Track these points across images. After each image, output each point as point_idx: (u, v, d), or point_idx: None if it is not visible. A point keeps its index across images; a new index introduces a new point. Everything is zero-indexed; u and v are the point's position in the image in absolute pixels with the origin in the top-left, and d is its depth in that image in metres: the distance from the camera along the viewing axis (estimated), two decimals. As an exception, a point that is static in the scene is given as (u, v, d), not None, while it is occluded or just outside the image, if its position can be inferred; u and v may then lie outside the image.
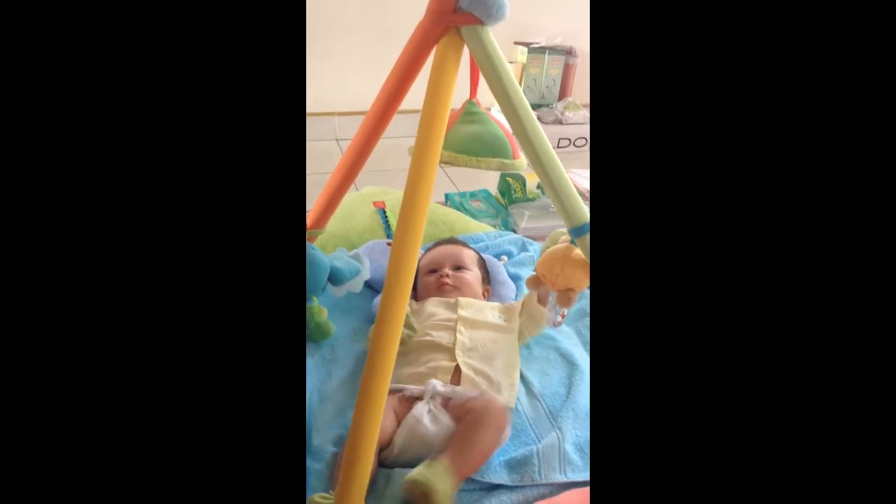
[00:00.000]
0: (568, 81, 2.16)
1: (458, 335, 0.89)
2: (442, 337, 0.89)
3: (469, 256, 1.05)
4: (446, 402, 0.78)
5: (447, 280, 0.99)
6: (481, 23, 0.68)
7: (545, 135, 0.74)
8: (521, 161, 0.79)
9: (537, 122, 0.73)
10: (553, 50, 2.09)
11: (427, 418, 0.75)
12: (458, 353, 0.86)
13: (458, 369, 0.84)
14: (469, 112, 0.77)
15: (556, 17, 2.09)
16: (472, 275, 1.02)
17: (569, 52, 2.11)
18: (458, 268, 1.02)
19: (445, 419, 0.76)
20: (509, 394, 0.86)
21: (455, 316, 0.92)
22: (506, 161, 0.76)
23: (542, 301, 0.90)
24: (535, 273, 0.81)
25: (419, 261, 1.07)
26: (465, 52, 0.71)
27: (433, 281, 1.00)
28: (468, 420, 0.74)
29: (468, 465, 0.71)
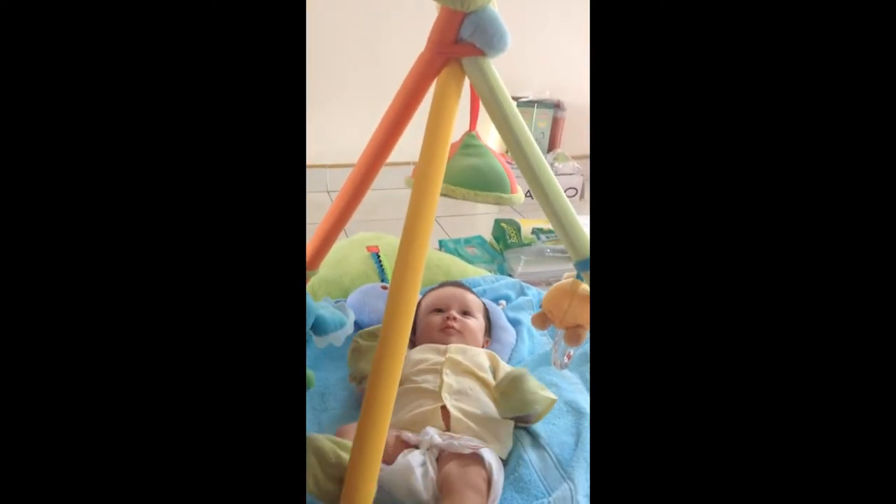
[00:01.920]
0: (557, 134, 2.20)
1: (445, 377, 0.84)
2: (427, 381, 0.84)
3: (475, 303, 1.01)
4: (439, 455, 0.73)
5: (454, 323, 0.94)
6: (483, 54, 0.67)
7: (548, 165, 0.72)
8: (519, 196, 0.77)
9: (540, 154, 0.71)
10: (541, 103, 2.13)
11: (419, 471, 0.70)
12: (444, 395, 0.81)
13: (445, 411, 0.79)
14: (468, 144, 0.75)
15: (544, 72, 2.14)
16: (477, 323, 0.98)
17: (557, 106, 2.16)
18: (465, 313, 0.98)
19: (432, 473, 0.71)
20: (505, 435, 0.80)
21: (442, 359, 0.87)
22: (503, 195, 0.74)
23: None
24: (540, 311, 0.77)
25: (420, 300, 1.03)
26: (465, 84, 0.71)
27: (438, 321, 0.95)
28: (448, 488, 0.68)
29: None
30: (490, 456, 0.72)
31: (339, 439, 0.64)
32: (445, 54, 0.68)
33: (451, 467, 0.70)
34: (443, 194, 0.71)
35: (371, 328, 0.84)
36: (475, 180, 0.72)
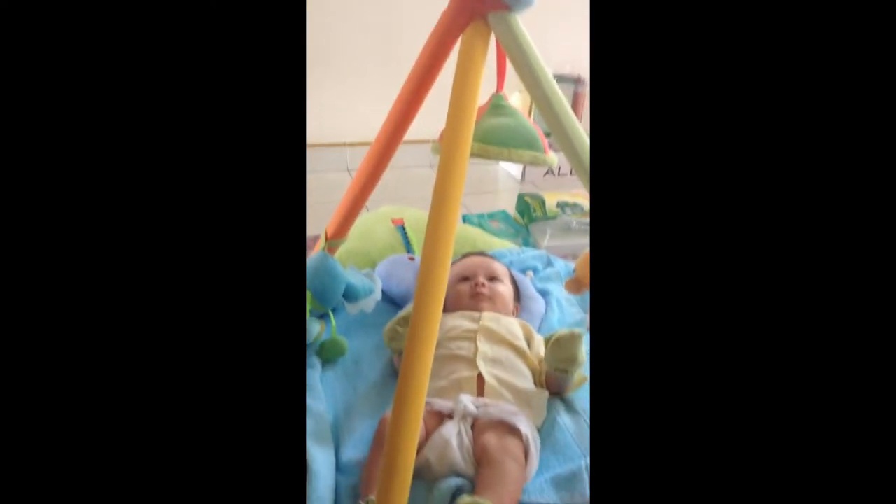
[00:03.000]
0: (577, 109, 2.16)
1: (479, 345, 0.83)
2: (462, 348, 0.83)
3: (501, 270, 1.00)
4: (474, 423, 0.73)
5: (483, 290, 0.93)
6: (508, 8, 0.66)
7: (580, 126, 0.70)
8: (553, 157, 0.76)
9: (571, 111, 0.70)
10: (561, 79, 2.09)
11: (455, 441, 0.70)
12: (479, 362, 0.81)
13: (481, 379, 0.79)
14: (496, 105, 0.74)
15: (564, 46, 2.11)
16: (506, 289, 0.97)
17: (577, 81, 2.12)
18: (492, 279, 0.97)
19: (467, 442, 0.71)
20: (538, 405, 0.80)
21: (476, 326, 0.87)
22: (539, 154, 0.72)
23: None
24: (574, 276, 0.76)
25: None
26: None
27: (467, 290, 0.95)
28: (488, 459, 0.68)
29: (510, 501, 0.65)
30: (526, 426, 0.72)
31: None
32: (470, 10, 0.66)
33: (489, 438, 0.70)
34: (475, 155, 0.70)
35: (407, 313, 0.83)
36: (508, 138, 0.71)
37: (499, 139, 0.70)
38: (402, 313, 0.88)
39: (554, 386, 0.83)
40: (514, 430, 0.70)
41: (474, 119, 0.66)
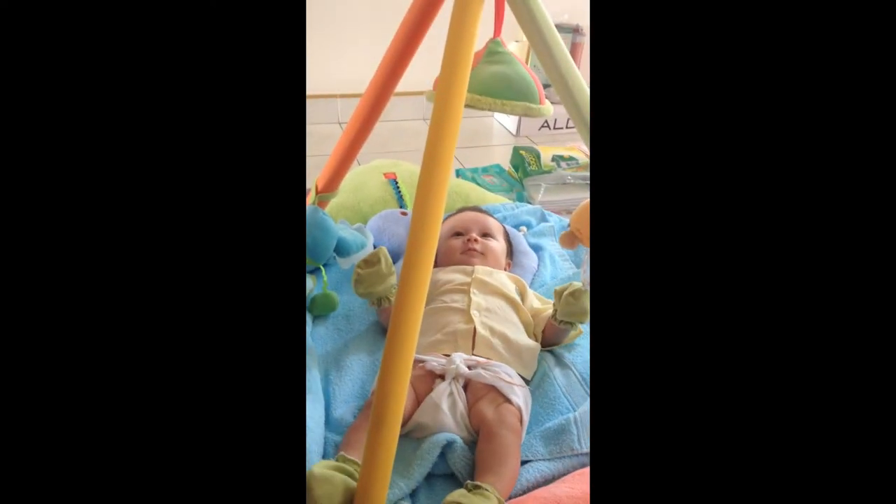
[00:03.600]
0: (576, 59, 2.09)
1: (473, 296, 0.83)
2: (455, 300, 0.83)
3: (495, 225, 0.99)
4: (466, 383, 0.73)
5: (475, 245, 0.93)
6: (508, -52, 0.62)
7: (580, 76, 0.68)
8: (548, 107, 0.73)
9: (571, 61, 0.67)
10: (560, 28, 2.01)
11: (446, 403, 0.70)
12: (473, 312, 0.81)
13: (475, 331, 0.79)
14: (493, 52, 0.71)
15: (563, -6, 2.03)
16: (499, 245, 0.96)
17: (575, 30, 2.06)
18: (485, 235, 0.96)
19: (461, 405, 0.71)
20: (530, 357, 0.80)
21: (469, 280, 0.86)
22: (532, 105, 0.70)
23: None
24: (568, 230, 0.75)
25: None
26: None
27: (458, 245, 0.94)
28: (487, 432, 0.67)
29: (510, 481, 0.65)
30: (519, 398, 0.71)
31: (345, 465, 0.60)
32: (468, -50, 0.62)
33: (485, 407, 0.69)
34: (468, 105, 0.67)
35: (367, 256, 0.83)
36: (502, 89, 0.68)
37: (492, 90, 0.68)
38: (362, 255, 0.86)
39: (553, 337, 0.84)
40: (509, 405, 0.70)
41: (470, 66, 0.63)
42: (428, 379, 0.73)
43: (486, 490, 0.59)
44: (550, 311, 0.84)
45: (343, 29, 1.85)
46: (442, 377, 0.73)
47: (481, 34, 0.68)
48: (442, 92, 0.62)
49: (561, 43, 0.66)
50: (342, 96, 1.90)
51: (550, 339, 0.84)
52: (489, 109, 0.69)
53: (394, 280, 0.82)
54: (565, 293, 0.80)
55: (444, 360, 0.74)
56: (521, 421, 0.70)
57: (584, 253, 0.75)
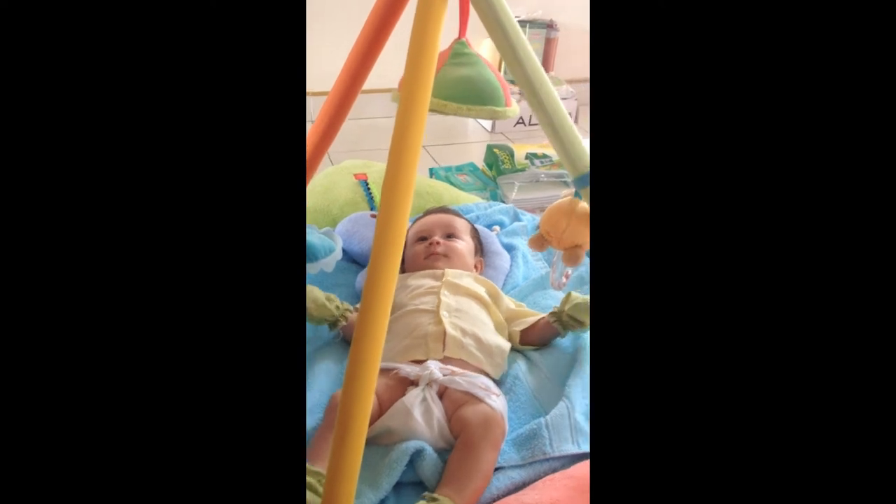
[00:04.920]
0: (550, 56, 2.10)
1: (443, 297, 0.82)
2: (425, 302, 0.82)
3: (461, 225, 0.98)
4: (442, 392, 0.71)
5: (437, 249, 0.91)
6: (471, -53, 0.61)
7: (545, 73, 0.67)
8: (514, 108, 0.73)
9: (537, 62, 0.66)
10: (533, 24, 2.02)
11: (418, 410, 0.68)
12: (442, 313, 0.80)
13: (446, 332, 0.78)
14: (458, 53, 0.69)
15: (536, -11, 2.02)
16: (465, 245, 0.95)
17: (549, 26, 2.05)
18: (450, 236, 0.95)
19: (438, 412, 0.69)
20: (500, 358, 0.80)
21: (439, 283, 0.85)
22: (497, 109, 0.69)
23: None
24: (537, 232, 0.75)
25: (407, 231, 1.00)
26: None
27: (422, 250, 0.93)
28: (466, 440, 0.66)
29: (473, 495, 0.63)
30: (501, 405, 0.70)
31: (309, 479, 0.59)
32: (430, -51, 0.61)
33: (468, 413, 0.68)
34: (432, 110, 0.66)
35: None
36: (467, 93, 0.67)
37: (456, 95, 0.67)
38: (331, 260, 0.85)
39: (538, 340, 0.85)
40: (495, 409, 0.69)
41: (434, 69, 0.62)
42: (400, 387, 0.72)
43: (442, 502, 0.58)
44: (535, 318, 0.85)
45: (313, 25, 1.82)
46: (415, 384, 0.71)
47: (450, 32, 0.67)
48: (405, 99, 0.61)
49: (526, 44, 0.65)
50: (314, 94, 1.87)
51: (536, 341, 0.85)
52: (454, 114, 0.68)
53: (337, 302, 0.83)
54: (575, 303, 0.82)
55: (417, 367, 0.73)
56: (503, 432, 0.69)
57: (555, 255, 0.74)
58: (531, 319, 0.86)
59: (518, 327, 0.85)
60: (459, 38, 0.71)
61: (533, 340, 0.85)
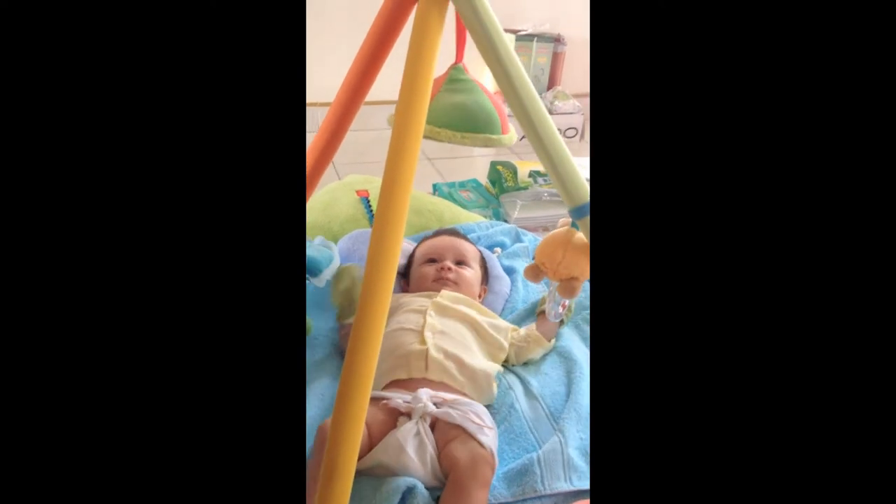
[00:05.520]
0: (557, 70, 2.09)
1: (428, 318, 0.81)
2: (410, 321, 0.81)
3: (472, 253, 0.97)
4: (433, 422, 0.69)
5: (448, 275, 0.90)
6: (467, -26, 0.60)
7: (542, 105, 0.66)
8: (511, 136, 0.71)
9: (533, 90, 0.65)
10: (541, 37, 2.01)
11: (412, 446, 0.66)
12: (426, 334, 0.78)
13: (428, 353, 0.76)
14: (454, 79, 0.68)
15: (543, 3, 2.01)
16: (473, 273, 0.94)
17: (557, 40, 2.04)
18: (460, 262, 0.93)
19: (431, 448, 0.67)
20: (486, 383, 0.77)
21: (429, 303, 0.84)
22: (492, 137, 0.68)
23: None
24: (533, 263, 0.73)
25: (414, 249, 0.99)
26: (451, 12, 0.64)
27: (432, 272, 0.91)
28: (456, 480, 0.64)
29: None
30: (489, 440, 0.69)
31: None
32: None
33: (457, 450, 0.66)
34: (426, 137, 0.65)
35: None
36: (461, 120, 0.66)
37: (451, 122, 0.65)
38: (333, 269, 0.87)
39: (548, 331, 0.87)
40: (484, 447, 0.67)
41: (428, 95, 0.61)
42: (391, 418, 0.70)
43: None
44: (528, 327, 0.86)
45: (320, 36, 1.82)
46: (408, 415, 0.69)
47: (448, 56, 0.65)
48: (398, 125, 0.59)
49: (521, 70, 0.64)
50: (317, 105, 1.87)
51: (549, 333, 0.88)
52: (448, 141, 0.66)
53: None
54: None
55: (408, 398, 0.71)
56: (493, 469, 0.67)
57: (551, 286, 0.73)
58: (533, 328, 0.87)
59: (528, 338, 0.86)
60: (456, 62, 0.70)
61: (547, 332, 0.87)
